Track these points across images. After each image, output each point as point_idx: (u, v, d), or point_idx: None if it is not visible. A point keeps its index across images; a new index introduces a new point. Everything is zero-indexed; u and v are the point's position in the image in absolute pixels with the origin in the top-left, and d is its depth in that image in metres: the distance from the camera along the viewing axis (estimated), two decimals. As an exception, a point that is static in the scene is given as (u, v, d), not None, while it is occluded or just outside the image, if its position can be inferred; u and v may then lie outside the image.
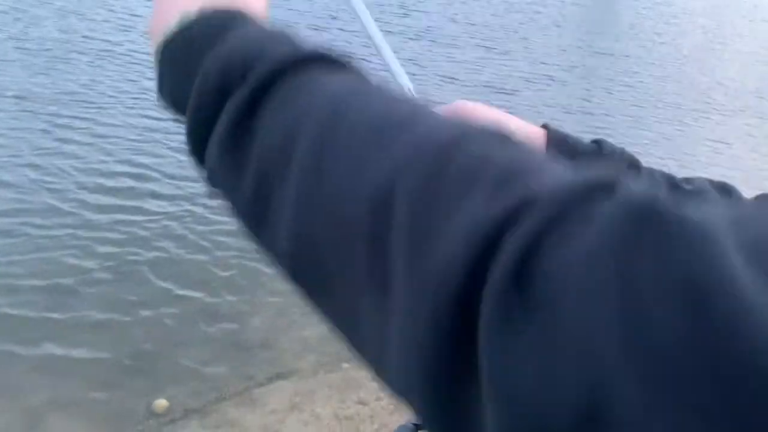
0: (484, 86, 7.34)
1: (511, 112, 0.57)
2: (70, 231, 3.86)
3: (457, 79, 7.16)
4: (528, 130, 0.53)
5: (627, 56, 10.33)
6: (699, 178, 0.57)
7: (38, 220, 3.91)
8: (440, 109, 0.54)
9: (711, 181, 0.57)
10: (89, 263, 3.64)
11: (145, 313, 3.39)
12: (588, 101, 8.04)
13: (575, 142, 0.54)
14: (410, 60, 6.91)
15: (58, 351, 3.06)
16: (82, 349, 3.09)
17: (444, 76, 7.18)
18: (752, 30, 15.44)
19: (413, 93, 0.57)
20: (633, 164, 0.54)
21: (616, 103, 8.24)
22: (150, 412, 2.84)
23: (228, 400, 2.99)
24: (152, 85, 0.44)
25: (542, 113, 7.30)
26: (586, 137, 0.56)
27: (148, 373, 3.05)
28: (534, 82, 8.00)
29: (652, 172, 0.55)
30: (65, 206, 4.08)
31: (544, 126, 0.55)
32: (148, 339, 3.23)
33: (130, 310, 3.38)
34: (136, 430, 2.75)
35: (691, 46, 12.06)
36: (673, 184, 0.54)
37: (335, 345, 3.32)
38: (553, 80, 8.28)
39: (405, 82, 0.57)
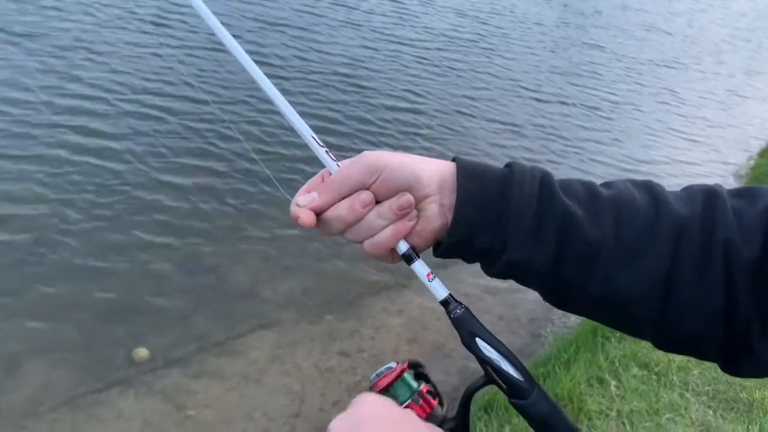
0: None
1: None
2: (51, 177, 3.77)
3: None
4: (438, 166, 0.57)
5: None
6: (621, 181, 0.59)
7: (18, 167, 3.80)
8: (345, 162, 0.55)
9: (634, 182, 0.59)
10: (70, 211, 3.57)
11: (128, 262, 3.36)
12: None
13: (484, 168, 0.57)
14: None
15: (39, 298, 3.02)
16: (62, 296, 3.06)
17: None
18: None
19: (317, 140, 0.57)
20: (546, 177, 0.56)
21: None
22: (130, 361, 2.84)
23: (209, 350, 3.00)
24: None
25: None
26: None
27: (129, 322, 3.03)
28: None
29: (568, 183, 0.57)
30: (47, 152, 3.97)
31: (454, 159, 0.58)
32: (130, 288, 3.21)
33: (112, 259, 3.34)
34: (115, 377, 2.75)
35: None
36: (592, 191, 0.56)
37: (318, 297, 3.34)
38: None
39: (306, 131, 0.58)
